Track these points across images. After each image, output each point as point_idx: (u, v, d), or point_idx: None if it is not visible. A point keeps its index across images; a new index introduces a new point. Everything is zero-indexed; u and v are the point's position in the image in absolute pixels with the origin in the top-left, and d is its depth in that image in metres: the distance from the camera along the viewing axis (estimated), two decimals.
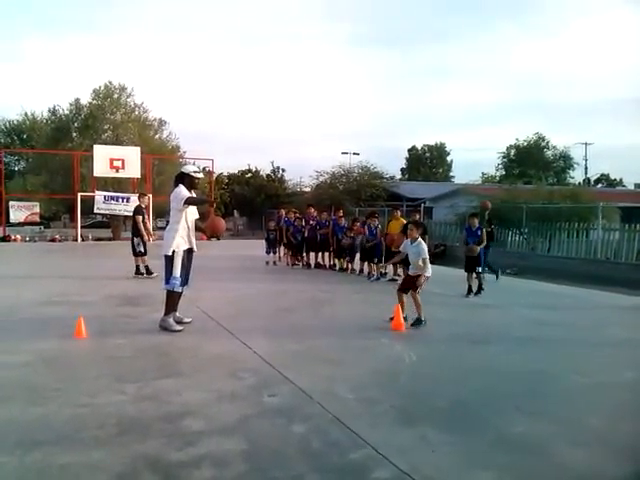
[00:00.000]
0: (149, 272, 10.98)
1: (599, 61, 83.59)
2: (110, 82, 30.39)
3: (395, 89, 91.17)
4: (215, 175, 34.84)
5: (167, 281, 6.19)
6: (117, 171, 24.98)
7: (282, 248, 14.71)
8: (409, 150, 64.92)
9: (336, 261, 13.52)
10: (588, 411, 3.91)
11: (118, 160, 24.83)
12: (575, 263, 15.90)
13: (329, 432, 3.38)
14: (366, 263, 12.09)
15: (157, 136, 32.24)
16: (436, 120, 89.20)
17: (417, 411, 3.81)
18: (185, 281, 6.30)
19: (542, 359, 5.34)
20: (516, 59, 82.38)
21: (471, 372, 4.85)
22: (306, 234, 13.79)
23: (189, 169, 6.54)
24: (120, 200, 25.32)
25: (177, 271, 6.14)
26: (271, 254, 14.58)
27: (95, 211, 26.34)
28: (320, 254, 14.04)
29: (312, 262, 13.96)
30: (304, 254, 14.11)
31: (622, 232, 15.93)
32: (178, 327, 6.21)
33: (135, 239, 11.09)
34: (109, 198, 25.32)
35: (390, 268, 11.72)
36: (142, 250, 11.02)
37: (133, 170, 25.27)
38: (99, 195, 25.17)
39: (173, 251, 6.14)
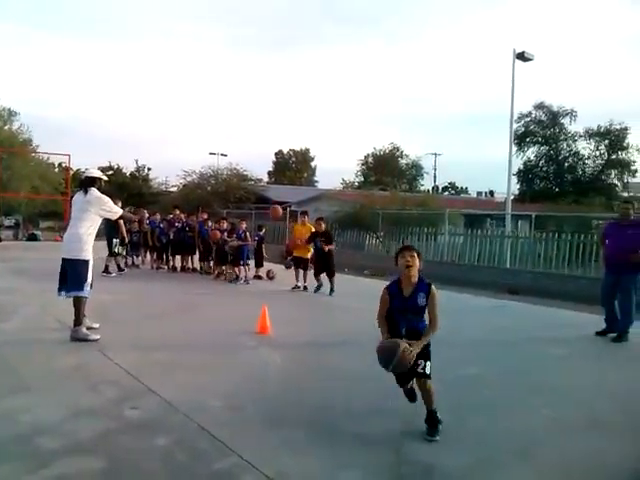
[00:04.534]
0: (120, 269, 12.31)
1: (449, 79, 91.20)
2: None
3: (263, 92, 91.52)
4: (72, 172, 32.44)
5: (79, 288, 5.90)
6: None
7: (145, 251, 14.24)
8: (276, 154, 65.78)
9: (201, 264, 13.37)
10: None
11: None
12: (425, 265, 17.21)
13: (195, 443, 3.39)
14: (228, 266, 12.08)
15: (7, 127, 29.40)
16: (301, 125, 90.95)
17: (283, 416, 3.94)
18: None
19: None
20: (378, 71, 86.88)
21: (331, 375, 5.11)
22: (171, 236, 13.45)
23: (97, 173, 6.49)
24: None
25: (90, 276, 6.01)
26: (134, 257, 14.05)
27: None
28: (186, 257, 13.75)
29: (178, 266, 13.63)
30: (170, 257, 13.75)
31: (465, 237, 17.59)
32: (95, 336, 5.92)
33: (114, 240, 12.04)
34: None
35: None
36: (116, 251, 12.20)
37: None
38: None
39: (88, 256, 5.99)
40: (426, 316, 3.74)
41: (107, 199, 6.22)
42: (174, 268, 13.56)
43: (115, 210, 6.34)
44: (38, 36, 77.38)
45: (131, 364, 5.01)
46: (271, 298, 9.12)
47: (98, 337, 5.94)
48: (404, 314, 3.72)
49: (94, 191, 6.14)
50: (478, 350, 6.42)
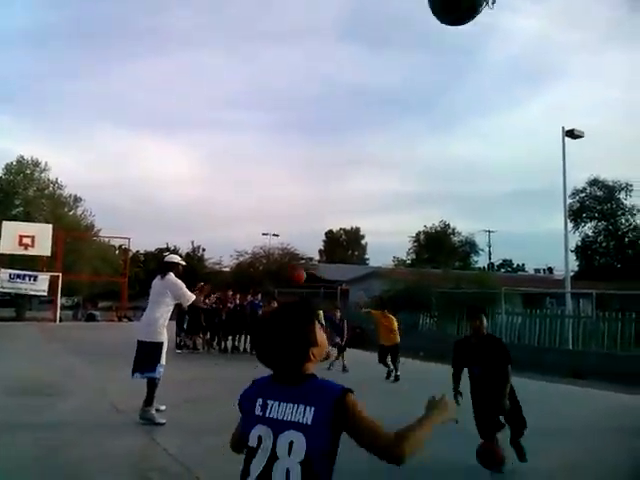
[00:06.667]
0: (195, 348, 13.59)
1: (498, 156, 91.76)
2: (22, 157, 29.66)
3: (312, 174, 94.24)
4: (131, 253, 33.91)
5: (151, 369, 6.01)
6: (26, 248, 23.83)
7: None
8: (326, 233, 66.93)
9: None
10: None
11: (28, 237, 23.78)
12: None
13: None
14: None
15: (71, 212, 31.30)
16: (350, 205, 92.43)
17: None
18: None
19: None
20: (422, 152, 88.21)
21: None
22: (224, 317, 13.60)
23: (176, 259, 6.81)
24: (27, 278, 23.94)
25: (164, 358, 6.13)
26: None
27: None
28: (237, 338, 13.83)
29: (229, 346, 13.68)
30: (221, 338, 13.84)
31: (524, 317, 16.97)
32: (161, 420, 5.95)
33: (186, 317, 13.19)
34: (15, 276, 23.88)
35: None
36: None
37: (44, 248, 24.22)
38: (4, 273, 23.71)
39: (163, 338, 6.16)
40: None
41: (182, 285, 6.37)
42: (225, 349, 13.61)
43: (189, 296, 6.43)
44: (99, 125, 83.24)
45: (180, 450, 4.98)
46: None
47: (164, 421, 5.93)
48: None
49: (171, 276, 6.37)
50: (543, 442, 6.00)
